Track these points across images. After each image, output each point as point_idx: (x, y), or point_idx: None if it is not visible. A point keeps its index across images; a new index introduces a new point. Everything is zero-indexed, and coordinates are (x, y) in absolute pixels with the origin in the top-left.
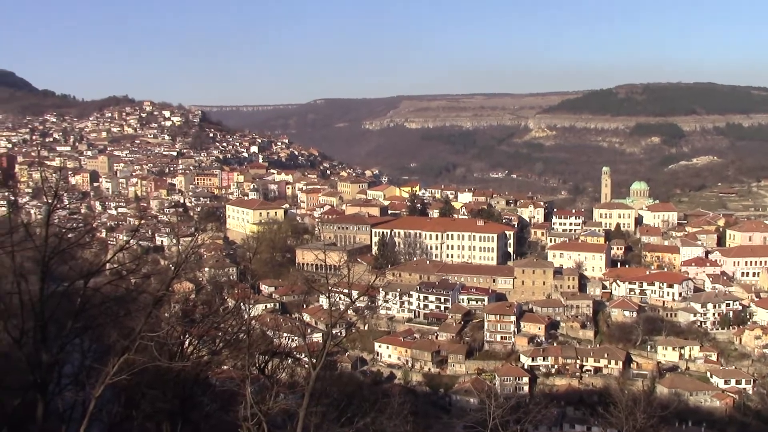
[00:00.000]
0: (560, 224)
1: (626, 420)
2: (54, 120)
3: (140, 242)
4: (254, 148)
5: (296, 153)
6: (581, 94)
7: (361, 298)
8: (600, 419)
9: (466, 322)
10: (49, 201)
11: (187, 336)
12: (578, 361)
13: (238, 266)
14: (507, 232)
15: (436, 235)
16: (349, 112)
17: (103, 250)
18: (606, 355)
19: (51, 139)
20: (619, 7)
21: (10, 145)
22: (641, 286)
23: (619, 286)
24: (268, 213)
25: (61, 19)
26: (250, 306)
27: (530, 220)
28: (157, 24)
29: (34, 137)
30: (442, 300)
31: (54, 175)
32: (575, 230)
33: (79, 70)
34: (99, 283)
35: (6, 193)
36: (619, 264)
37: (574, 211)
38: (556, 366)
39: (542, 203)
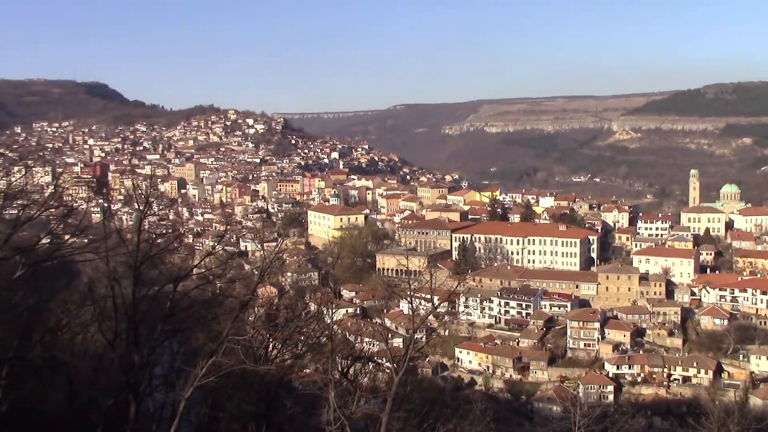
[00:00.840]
0: (646, 229)
1: None
2: (144, 129)
3: (225, 247)
4: (335, 155)
5: (376, 159)
6: (667, 94)
7: (442, 304)
8: (690, 430)
9: (548, 329)
10: (141, 208)
11: (271, 340)
12: (666, 370)
13: (320, 271)
14: (590, 237)
15: (517, 240)
16: (429, 117)
17: (190, 255)
18: (695, 364)
19: (141, 148)
20: (706, 3)
21: (103, 154)
22: (732, 293)
23: (708, 292)
24: (349, 218)
25: (151, 31)
26: (332, 311)
27: (614, 224)
28: (240, 35)
29: (125, 146)
30: (524, 306)
31: (144, 182)
32: (662, 235)
33: (168, 80)
34: (187, 288)
35: (100, 201)
36: (708, 270)
37: (660, 215)
38: (642, 374)
39: (627, 207)
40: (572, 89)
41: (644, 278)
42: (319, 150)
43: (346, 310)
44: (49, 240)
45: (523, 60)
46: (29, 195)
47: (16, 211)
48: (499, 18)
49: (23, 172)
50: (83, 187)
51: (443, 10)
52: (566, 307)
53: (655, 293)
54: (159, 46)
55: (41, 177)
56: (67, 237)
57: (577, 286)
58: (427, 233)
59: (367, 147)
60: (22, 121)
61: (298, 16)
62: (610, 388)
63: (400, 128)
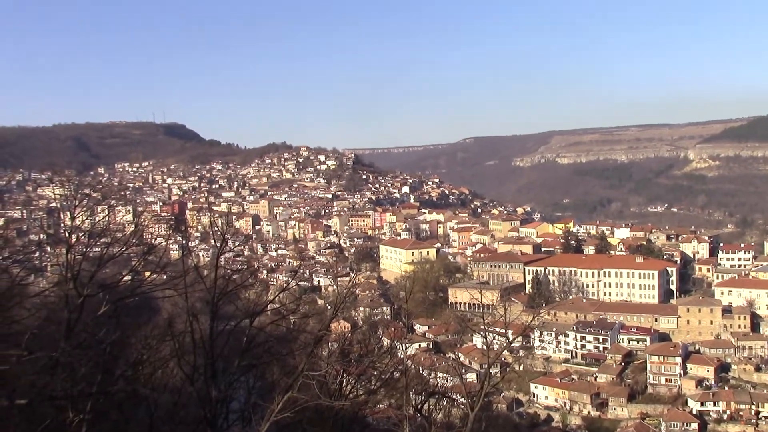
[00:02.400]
0: (728, 259)
1: None
2: (219, 168)
3: (299, 283)
4: (405, 189)
5: (447, 192)
6: (745, 121)
7: (517, 338)
8: None
9: (627, 364)
10: (217, 245)
11: (345, 375)
12: (753, 407)
13: (393, 305)
14: (668, 269)
15: (593, 273)
16: (499, 149)
17: (265, 290)
18: None
19: (217, 186)
20: None
21: (181, 193)
22: None
23: None
24: (421, 252)
25: (226, 73)
26: (405, 345)
27: (694, 255)
28: (311, 73)
29: (202, 184)
30: (601, 340)
31: (220, 219)
32: (745, 266)
33: (243, 119)
34: (262, 323)
35: (178, 238)
36: None
37: (742, 245)
38: (728, 411)
39: (707, 237)
40: (646, 118)
41: (727, 311)
42: (389, 184)
43: (419, 345)
44: (130, 277)
45: (594, 89)
46: (112, 233)
47: (99, 249)
48: (568, 47)
49: (106, 212)
50: (162, 225)
51: (511, 41)
52: (645, 341)
53: (739, 326)
54: (234, 86)
55: (123, 216)
56: (147, 274)
57: (656, 320)
58: (499, 266)
59: (437, 181)
60: (106, 162)
61: (366, 53)
62: (694, 425)
63: (471, 161)
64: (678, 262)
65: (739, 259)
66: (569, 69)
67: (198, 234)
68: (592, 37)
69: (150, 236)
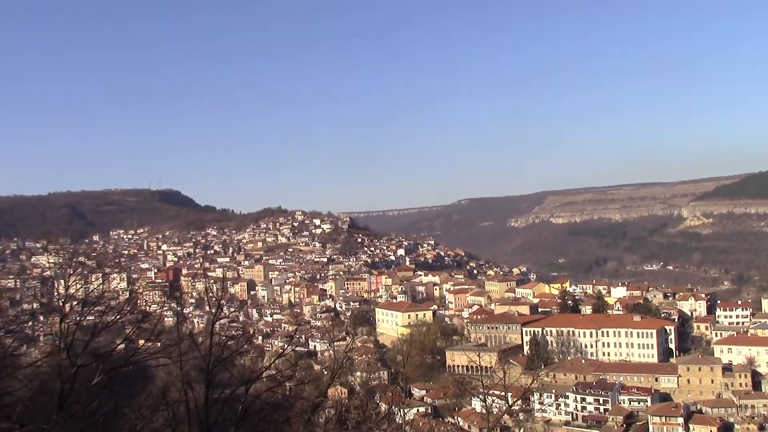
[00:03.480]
0: (725, 317)
1: None
2: (215, 233)
3: (295, 348)
4: (401, 251)
5: (442, 254)
6: (738, 178)
7: (517, 401)
8: None
9: (629, 425)
10: (212, 311)
11: None
12: None
13: (390, 369)
14: (667, 327)
15: (590, 333)
16: (494, 210)
17: (261, 356)
18: None
19: (212, 251)
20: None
21: (176, 259)
22: None
23: None
24: (417, 315)
25: (220, 140)
26: (404, 410)
27: (691, 313)
28: (305, 138)
29: (197, 250)
30: (601, 401)
31: (215, 285)
32: (743, 323)
33: (237, 185)
34: (258, 390)
35: (173, 305)
36: None
37: (740, 302)
38: None
39: (704, 295)
40: (639, 177)
41: (728, 369)
42: (385, 247)
43: (418, 410)
44: (124, 345)
45: (587, 150)
46: (106, 302)
47: (93, 318)
48: (560, 109)
49: (101, 280)
50: (157, 292)
51: (503, 103)
52: (646, 401)
53: (740, 385)
54: (229, 152)
55: (117, 283)
56: (141, 342)
57: (656, 379)
58: (496, 328)
59: (432, 243)
60: (100, 229)
61: (361, 116)
62: None
63: (466, 223)
64: (676, 320)
65: (737, 316)
66: (561, 129)
67: (193, 300)
68: (583, 96)
69: (144, 303)
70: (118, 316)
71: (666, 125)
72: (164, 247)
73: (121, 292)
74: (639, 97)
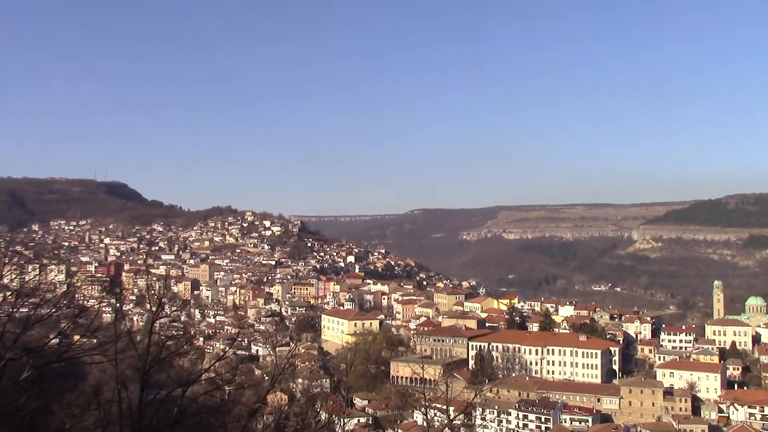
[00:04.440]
0: (669, 341)
1: None
2: (161, 229)
3: (237, 351)
4: (351, 258)
5: (393, 263)
6: (688, 204)
7: (458, 416)
8: None
9: None
10: (153, 309)
11: None
12: None
13: (332, 378)
14: (612, 349)
15: (536, 350)
16: (446, 222)
17: (200, 358)
18: None
19: (157, 248)
20: (726, 114)
21: (118, 254)
22: (762, 411)
23: (737, 409)
24: (363, 324)
25: (172, 133)
26: (344, 420)
27: (636, 336)
28: (259, 138)
29: (141, 246)
30: (543, 420)
31: (158, 283)
32: (686, 348)
33: (187, 181)
34: (196, 393)
35: (112, 300)
36: (736, 385)
37: (684, 327)
38: None
39: (649, 318)
40: (591, 197)
41: (669, 393)
42: (335, 253)
43: (359, 420)
44: (58, 340)
45: (541, 167)
46: (42, 294)
47: (27, 310)
48: (517, 125)
49: (38, 271)
50: (96, 287)
51: (461, 118)
52: (587, 421)
53: (680, 409)
54: (179, 148)
55: (55, 275)
56: (76, 338)
57: (598, 400)
58: (443, 341)
59: (383, 251)
60: (41, 219)
61: (317, 120)
62: None
63: (418, 233)
64: (621, 342)
65: (681, 341)
66: (517, 145)
67: (133, 297)
68: (539, 113)
69: (82, 298)
70: (54, 310)
71: (620, 148)
72: (107, 240)
73: (58, 285)
74: (594, 118)
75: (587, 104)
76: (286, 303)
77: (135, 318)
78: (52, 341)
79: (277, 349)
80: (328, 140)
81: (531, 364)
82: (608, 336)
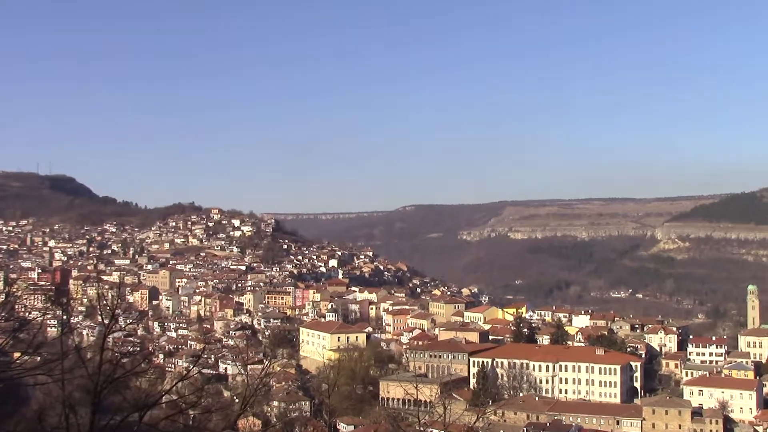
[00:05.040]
0: (698, 354)
1: None
2: (113, 230)
3: (202, 370)
4: (333, 262)
5: (382, 268)
6: (718, 198)
7: None
8: None
9: None
10: (105, 322)
11: None
12: None
13: (313, 400)
14: (633, 364)
15: (547, 366)
16: (444, 220)
17: (160, 378)
18: None
19: (109, 252)
20: (760, 99)
21: (65, 258)
22: None
23: None
24: (348, 338)
25: (125, 121)
26: None
27: (660, 349)
28: (227, 125)
29: (91, 249)
30: None
31: (111, 292)
32: (717, 362)
33: (144, 175)
34: (155, 418)
35: (58, 312)
36: None
37: (714, 338)
38: None
39: (675, 329)
40: (609, 191)
41: (697, 413)
42: (315, 257)
43: None
44: None
45: (552, 156)
46: None
47: None
48: (525, 108)
49: None
50: (40, 297)
51: (459, 99)
52: None
53: (711, 431)
54: (135, 136)
55: None
56: (17, 355)
57: (617, 422)
58: (440, 357)
59: (371, 254)
60: None
61: (293, 105)
62: None
63: (410, 233)
64: (643, 356)
65: (711, 354)
66: (524, 132)
67: (83, 308)
68: (550, 97)
69: (23, 309)
70: None
71: (641, 135)
72: (51, 243)
73: None
74: (612, 101)
75: (604, 86)
76: (259, 314)
77: (85, 332)
78: None
79: (249, 367)
80: (305, 128)
81: (541, 382)
82: (629, 349)
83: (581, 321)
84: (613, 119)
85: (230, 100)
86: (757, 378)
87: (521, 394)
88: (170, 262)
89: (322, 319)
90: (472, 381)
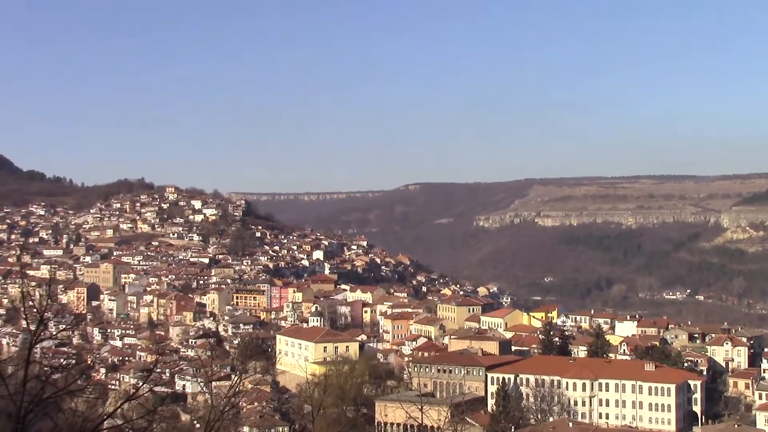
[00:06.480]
0: None
1: None
2: (42, 213)
3: (154, 388)
4: (318, 254)
5: (378, 261)
6: None
7: None
8: None
9: None
10: (31, 328)
11: None
12: None
13: (292, 426)
14: (691, 383)
15: (583, 385)
16: (456, 202)
17: (102, 398)
18: None
19: (37, 240)
20: None
21: None
22: None
23: None
24: (337, 348)
25: (55, 81)
26: None
27: (727, 364)
28: (184, 84)
29: (13, 236)
30: None
31: (39, 290)
32: None
33: (81, 145)
34: None
35: None
36: None
37: None
38: None
39: (745, 339)
40: (663, 166)
41: None
42: (295, 247)
43: None
44: None
45: (591, 125)
46: None
47: None
48: (556, 66)
49: None
50: None
51: (477, 49)
52: None
53: None
54: (68, 99)
55: None
56: None
57: None
58: (450, 372)
59: (365, 244)
60: None
61: (263, 56)
62: None
63: (414, 217)
64: (704, 373)
65: None
66: (554, 94)
67: (2, 311)
68: (587, 51)
69: None
70: None
71: (703, 98)
72: None
73: None
74: (666, 57)
75: (656, 36)
76: (226, 318)
77: (5, 341)
78: None
79: (213, 384)
80: (280, 85)
81: (576, 404)
82: (686, 365)
83: (627, 329)
84: (668, 79)
85: (184, 53)
86: None
87: (551, 419)
88: (114, 253)
89: (305, 325)
90: (490, 402)
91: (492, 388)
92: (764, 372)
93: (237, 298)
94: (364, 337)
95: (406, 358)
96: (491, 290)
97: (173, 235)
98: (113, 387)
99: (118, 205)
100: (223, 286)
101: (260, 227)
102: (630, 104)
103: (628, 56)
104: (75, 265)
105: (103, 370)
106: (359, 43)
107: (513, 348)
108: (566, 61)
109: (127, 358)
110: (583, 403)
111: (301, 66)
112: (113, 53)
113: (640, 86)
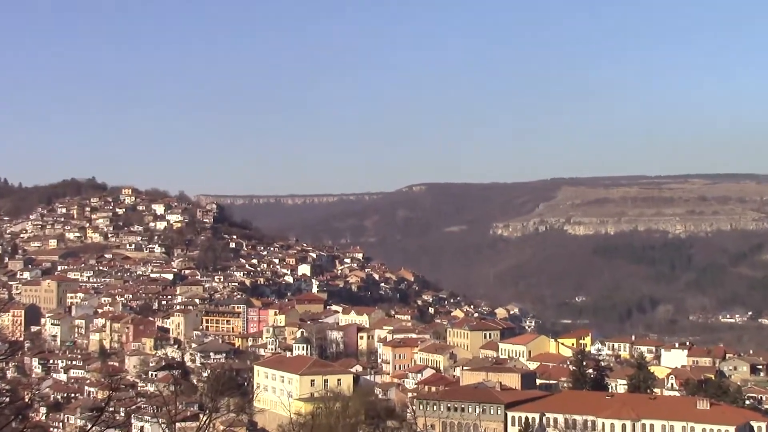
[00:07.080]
0: None
1: None
2: None
3: (106, 431)
4: (305, 269)
5: (377, 277)
6: None
7: None
8: None
9: None
10: None
11: None
12: None
13: None
14: (754, 424)
15: (623, 426)
16: (469, 206)
17: None
18: None
19: None
20: None
21: None
22: None
23: None
24: (326, 381)
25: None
26: None
27: None
28: (144, 68)
29: None
30: None
31: None
32: None
33: (20, 139)
34: None
35: None
36: None
37: None
38: None
39: None
40: (717, 165)
41: None
42: (277, 260)
43: None
44: None
45: (630, 115)
46: None
47: None
48: (591, 44)
49: None
50: None
51: (496, 27)
52: None
53: None
54: (5, 85)
55: None
56: None
57: None
58: (463, 410)
59: (360, 256)
60: None
61: (240, 37)
62: None
63: (419, 224)
64: None
65: None
66: (586, 79)
67: None
68: (626, 28)
69: None
70: None
71: (765, 83)
72: None
73: None
74: (719, 41)
75: (705, 17)
76: (193, 346)
77: None
78: None
79: (178, 425)
80: (258, 72)
81: None
82: (748, 402)
83: (675, 358)
84: (722, 64)
85: (150, 36)
86: None
87: None
88: (58, 268)
89: (288, 354)
90: None
91: (513, 430)
92: None
93: (207, 321)
94: (359, 368)
95: (409, 394)
96: (512, 312)
97: (130, 245)
98: (56, 430)
99: (64, 210)
100: (190, 308)
101: (235, 236)
102: (678, 92)
103: (674, 37)
104: (10, 283)
105: (43, 410)
106: (356, 27)
107: (538, 381)
108: (600, 39)
109: (73, 395)
110: None
111: (285, 49)
112: (59, 33)
113: (690, 65)
